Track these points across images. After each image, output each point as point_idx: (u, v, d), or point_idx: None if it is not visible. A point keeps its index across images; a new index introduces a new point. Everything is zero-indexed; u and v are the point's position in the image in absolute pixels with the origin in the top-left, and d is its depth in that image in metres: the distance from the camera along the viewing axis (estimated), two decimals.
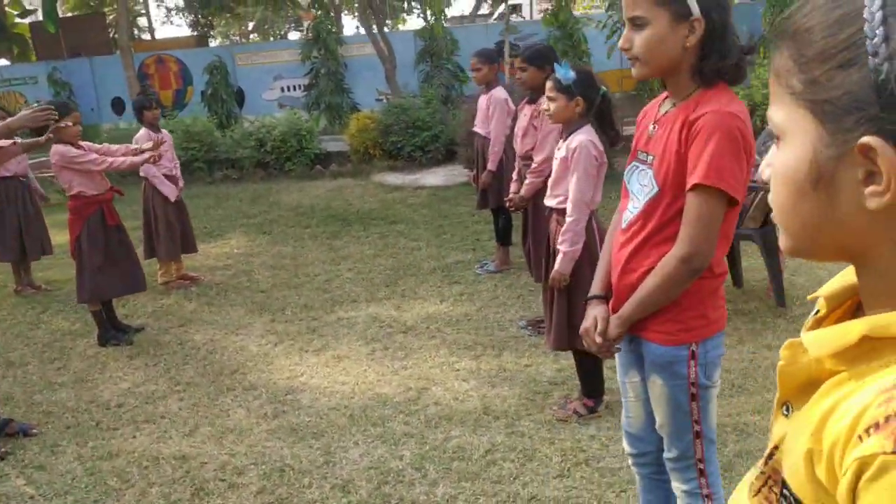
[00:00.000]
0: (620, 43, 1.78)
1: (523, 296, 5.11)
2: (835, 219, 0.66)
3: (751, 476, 0.82)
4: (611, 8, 11.31)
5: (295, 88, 13.93)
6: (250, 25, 32.89)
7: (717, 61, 1.72)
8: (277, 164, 10.43)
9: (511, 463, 3.06)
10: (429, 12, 13.26)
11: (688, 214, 1.74)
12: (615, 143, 3.16)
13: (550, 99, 3.11)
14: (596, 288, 2.02)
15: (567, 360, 4.00)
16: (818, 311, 0.77)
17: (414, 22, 25.41)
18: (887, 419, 0.59)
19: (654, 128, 1.86)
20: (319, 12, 13.55)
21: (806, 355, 0.71)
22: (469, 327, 4.59)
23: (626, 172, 1.96)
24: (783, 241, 0.73)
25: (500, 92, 5.40)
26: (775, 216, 0.72)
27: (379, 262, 6.15)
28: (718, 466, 2.04)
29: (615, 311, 1.94)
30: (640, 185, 1.87)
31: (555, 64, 3.08)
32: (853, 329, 0.66)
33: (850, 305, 0.76)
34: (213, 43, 25.74)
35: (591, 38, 11.63)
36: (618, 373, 2.12)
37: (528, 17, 23.28)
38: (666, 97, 1.89)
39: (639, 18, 1.71)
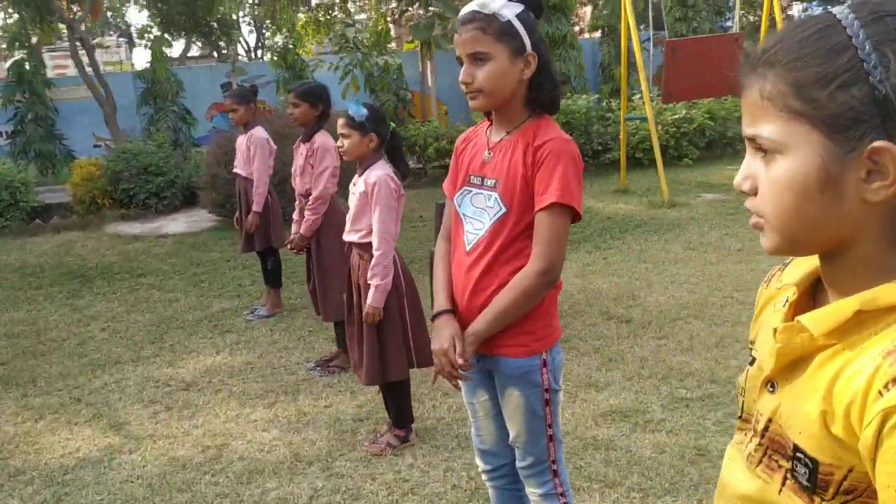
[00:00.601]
0: (462, 77, 1.90)
1: (303, 337, 5.04)
2: (837, 215, 0.79)
3: (741, 451, 0.94)
4: (342, 51, 11.61)
5: None
6: None
7: (550, 92, 1.91)
8: None
9: None
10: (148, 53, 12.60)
11: (540, 231, 1.88)
12: (405, 177, 3.28)
13: (343, 136, 3.16)
14: (444, 303, 2.05)
15: (365, 395, 4.04)
16: (788, 299, 0.90)
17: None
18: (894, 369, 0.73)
19: (490, 154, 1.99)
20: (21, 53, 12.23)
21: (800, 336, 0.84)
22: (255, 376, 4.43)
23: (456, 197, 2.07)
24: (770, 241, 0.85)
25: (259, 132, 5.32)
26: (771, 220, 0.84)
27: (135, 319, 5.69)
28: (564, 464, 2.19)
29: (465, 329, 2.01)
30: (481, 208, 1.98)
31: (347, 102, 3.13)
32: (847, 306, 0.80)
33: (806, 291, 0.91)
34: None
35: (324, 79, 11.82)
36: (464, 395, 2.20)
37: (250, 59, 22.95)
38: (488, 126, 2.04)
39: (481, 53, 1.85)
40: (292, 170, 4.41)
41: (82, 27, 11.42)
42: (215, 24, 12.99)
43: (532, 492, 2.13)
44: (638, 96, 11.17)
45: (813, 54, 0.78)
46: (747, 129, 0.84)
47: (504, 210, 1.94)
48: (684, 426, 3.41)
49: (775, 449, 0.87)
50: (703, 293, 5.26)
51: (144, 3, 11.96)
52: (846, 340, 0.80)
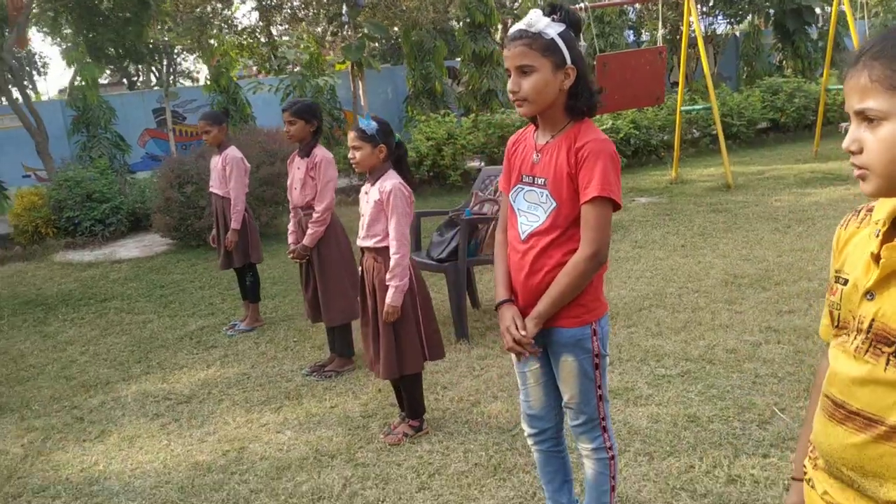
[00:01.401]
0: (510, 87, 2.21)
1: (290, 347, 5.21)
2: None
3: (845, 348, 1.25)
4: (281, 72, 11.76)
5: None
6: None
7: (587, 99, 2.23)
8: None
9: (371, 490, 3.24)
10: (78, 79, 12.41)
11: (588, 221, 2.19)
12: (412, 187, 3.56)
13: (355, 148, 3.41)
14: (504, 293, 2.36)
15: (367, 394, 4.27)
16: (879, 231, 1.22)
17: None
18: None
19: (538, 156, 2.29)
20: None
21: None
22: (253, 385, 4.59)
23: (511, 194, 2.37)
24: (872, 186, 1.17)
25: (234, 151, 5.49)
26: (876, 169, 1.15)
27: (112, 341, 5.73)
28: (611, 421, 2.49)
29: (523, 308, 2.31)
30: (535, 203, 2.28)
31: (357, 116, 3.40)
32: None
33: (889, 222, 1.23)
34: None
35: (263, 100, 11.95)
36: (516, 364, 2.49)
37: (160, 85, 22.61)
38: (535, 130, 2.35)
39: (527, 66, 2.16)
40: (288, 184, 4.60)
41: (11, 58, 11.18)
42: (145, 51, 12.90)
43: (584, 447, 2.43)
44: None
45: None
46: (856, 105, 1.16)
47: (555, 205, 2.24)
48: (671, 399, 3.78)
49: (879, 340, 1.19)
50: (660, 285, 5.70)
51: (71, 30, 11.76)
52: None
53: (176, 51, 17.22)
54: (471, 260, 5.09)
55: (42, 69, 30.73)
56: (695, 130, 12.93)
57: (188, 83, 25.15)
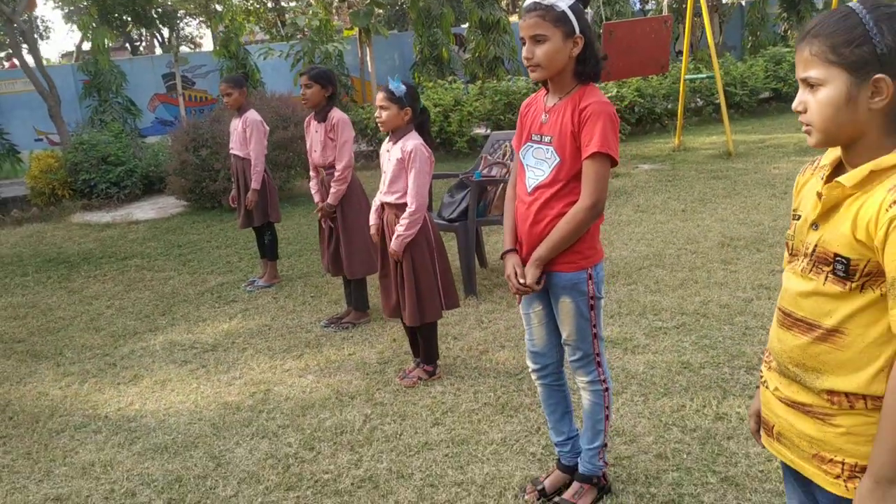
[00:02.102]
0: (525, 54, 2.45)
1: (307, 302, 5.49)
2: (854, 119, 1.39)
3: (794, 270, 1.52)
4: (292, 38, 11.91)
5: None
6: None
7: (594, 66, 2.47)
8: None
9: (390, 425, 3.53)
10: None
11: (588, 175, 2.44)
12: (432, 149, 3.81)
13: (383, 108, 3.66)
14: (509, 243, 2.64)
15: (382, 343, 4.56)
16: (824, 175, 1.49)
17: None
18: (893, 195, 1.32)
19: (546, 116, 2.54)
20: None
21: (837, 189, 1.42)
22: (275, 335, 4.87)
23: (521, 151, 2.62)
24: (815, 139, 1.45)
25: (253, 114, 5.71)
26: (816, 125, 1.43)
27: (136, 296, 6.02)
28: (605, 357, 2.77)
29: (526, 254, 2.58)
30: (541, 159, 2.53)
31: (388, 78, 3.64)
32: (866, 167, 1.39)
33: (832, 167, 1.50)
34: None
35: (272, 66, 12.11)
36: (521, 307, 2.76)
37: (165, 50, 22.71)
38: (545, 94, 2.59)
39: (540, 36, 2.40)
40: (308, 147, 4.84)
41: (21, 19, 11.35)
42: (154, 15, 13.05)
43: (581, 380, 2.70)
44: None
45: (842, 29, 1.38)
46: (801, 74, 1.44)
47: (559, 160, 2.49)
48: (666, 348, 4.06)
49: (820, 261, 1.46)
50: (659, 247, 5.96)
51: None
52: (864, 189, 1.40)
53: (178, 15, 17.33)
54: (480, 220, 5.35)
55: (45, 33, 30.73)
56: (698, 99, 13.10)
57: (190, 49, 25.25)
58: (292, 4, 19.55)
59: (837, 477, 1.48)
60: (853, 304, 1.42)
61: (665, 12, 10.71)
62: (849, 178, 1.41)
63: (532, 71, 2.47)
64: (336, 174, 4.61)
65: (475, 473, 3.06)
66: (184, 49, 21.58)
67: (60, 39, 51.56)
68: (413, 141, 3.63)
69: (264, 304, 5.52)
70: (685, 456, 3.03)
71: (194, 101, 14.15)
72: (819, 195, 1.47)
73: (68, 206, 9.68)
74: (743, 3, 18.10)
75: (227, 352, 4.67)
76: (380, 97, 3.65)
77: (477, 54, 14.79)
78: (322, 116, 4.67)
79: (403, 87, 3.61)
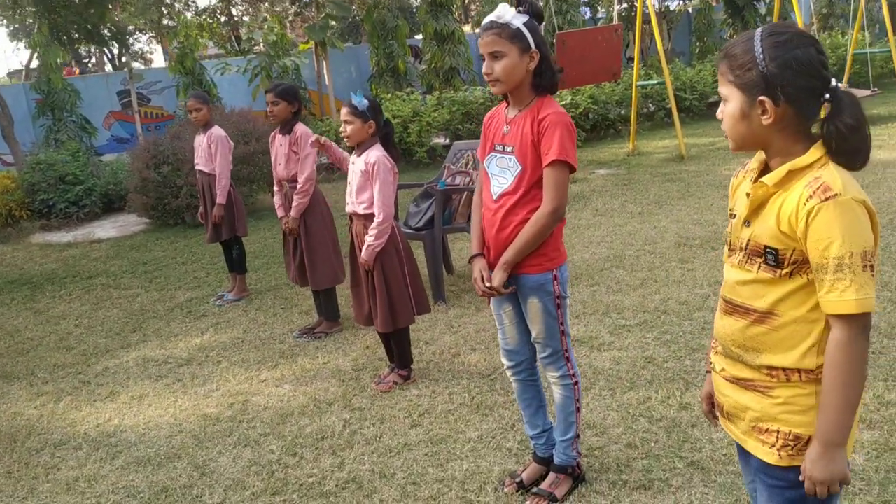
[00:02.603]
0: (484, 69, 2.61)
1: (278, 313, 5.57)
2: (752, 131, 1.60)
3: (732, 263, 1.70)
4: (250, 52, 11.94)
5: None
6: None
7: (550, 78, 2.63)
8: None
9: (369, 428, 3.64)
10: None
11: (549, 182, 2.59)
12: (396, 160, 3.94)
13: (347, 122, 3.78)
14: (476, 248, 2.78)
15: (355, 351, 4.66)
16: (752, 177, 1.67)
17: None
18: (813, 192, 1.51)
19: (508, 128, 2.69)
20: None
21: (762, 188, 1.60)
22: (248, 347, 4.94)
23: (485, 161, 2.76)
24: (730, 145, 1.66)
25: (218, 130, 5.78)
26: (727, 133, 1.65)
27: (104, 314, 6.03)
28: (573, 353, 2.92)
29: (493, 259, 2.72)
30: (504, 168, 2.68)
31: (350, 93, 3.76)
32: (784, 168, 1.58)
33: (759, 169, 1.68)
34: None
35: (229, 82, 12.12)
36: (493, 307, 2.90)
37: (114, 67, 22.49)
38: (506, 106, 2.74)
39: (497, 52, 2.55)
40: (272, 161, 4.93)
41: None
42: (107, 33, 12.96)
43: (552, 375, 2.85)
44: None
45: (740, 54, 1.59)
46: (719, 88, 1.64)
47: (521, 168, 2.64)
48: (630, 344, 4.24)
49: (753, 253, 1.65)
50: (619, 249, 6.17)
51: (34, 10, 11.77)
52: (784, 187, 1.59)
53: (129, 31, 17.20)
54: (445, 228, 5.49)
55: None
56: (650, 104, 13.45)
57: (141, 65, 25.00)
58: (246, 19, 19.56)
59: (772, 446, 1.66)
60: (784, 288, 1.61)
61: (615, 20, 10.99)
62: (770, 178, 1.61)
63: (492, 85, 2.62)
64: (298, 186, 4.70)
65: (455, 470, 3.18)
66: (135, 65, 21.40)
67: (6, 58, 50.35)
68: (375, 153, 3.76)
69: (235, 318, 5.57)
70: (653, 444, 3.20)
71: (150, 118, 14.08)
72: (748, 195, 1.66)
73: (26, 226, 9.58)
74: (690, 10, 18.60)
75: (202, 365, 4.73)
76: (344, 112, 3.77)
77: (433, 65, 14.97)
78: (287, 130, 4.77)
79: (366, 101, 3.74)
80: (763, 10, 17.64)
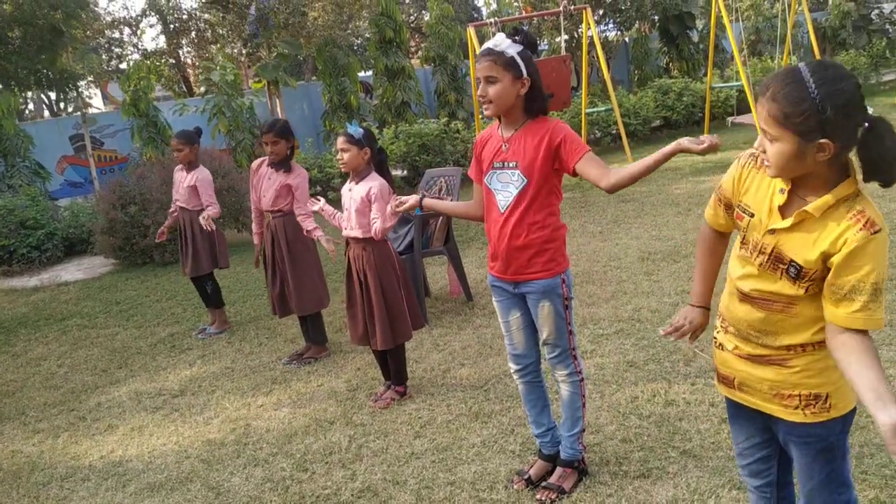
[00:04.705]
0: (479, 93, 2.87)
1: (263, 343, 5.69)
2: (805, 167, 1.76)
3: (747, 259, 1.93)
4: (208, 92, 12.04)
5: None
6: None
7: (540, 103, 2.90)
8: None
9: (375, 442, 3.81)
10: None
11: (591, 163, 2.78)
12: (391, 186, 4.17)
13: (343, 150, 4.00)
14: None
15: (347, 372, 4.83)
16: (784, 190, 1.88)
17: None
18: (862, 226, 1.72)
19: (507, 146, 2.94)
20: None
21: (805, 214, 1.79)
22: (239, 375, 5.06)
23: (486, 178, 3.01)
24: (772, 172, 1.79)
25: (203, 171, 5.90)
26: (773, 165, 1.78)
27: (85, 353, 6.05)
28: (579, 351, 3.16)
29: (503, 268, 2.96)
30: (507, 182, 2.92)
31: (346, 124, 3.99)
32: (829, 198, 1.77)
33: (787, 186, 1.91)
34: None
35: (184, 122, 12.17)
36: (500, 317, 3.13)
37: (53, 113, 22.17)
38: (498, 127, 2.99)
39: (492, 77, 2.82)
40: (256, 192, 5.08)
41: None
42: (59, 78, 12.90)
43: (560, 374, 3.08)
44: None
45: (794, 97, 1.70)
46: (762, 124, 1.77)
47: (526, 181, 2.90)
48: (611, 351, 4.51)
49: (777, 260, 1.86)
50: (586, 265, 6.48)
51: None
52: (825, 215, 1.78)
53: (80, 74, 17.06)
54: (423, 252, 5.72)
55: None
56: (597, 131, 13.96)
57: (81, 109, 24.65)
58: (194, 62, 19.62)
59: (796, 408, 1.91)
60: (800, 292, 1.84)
61: (562, 51, 11.47)
62: (816, 208, 1.77)
63: (485, 108, 2.88)
64: (301, 212, 4.88)
65: (464, 473, 3.38)
66: (89, 110, 21.19)
67: None
68: (377, 181, 4.00)
69: (221, 349, 5.68)
70: (646, 438, 3.45)
71: (104, 161, 14.01)
72: (780, 210, 1.84)
73: None
74: (627, 40, 19.36)
75: (196, 395, 4.83)
76: (340, 141, 3.99)
77: (385, 100, 15.26)
78: (285, 167, 4.93)
79: (361, 130, 3.98)
80: (696, 38, 18.46)
